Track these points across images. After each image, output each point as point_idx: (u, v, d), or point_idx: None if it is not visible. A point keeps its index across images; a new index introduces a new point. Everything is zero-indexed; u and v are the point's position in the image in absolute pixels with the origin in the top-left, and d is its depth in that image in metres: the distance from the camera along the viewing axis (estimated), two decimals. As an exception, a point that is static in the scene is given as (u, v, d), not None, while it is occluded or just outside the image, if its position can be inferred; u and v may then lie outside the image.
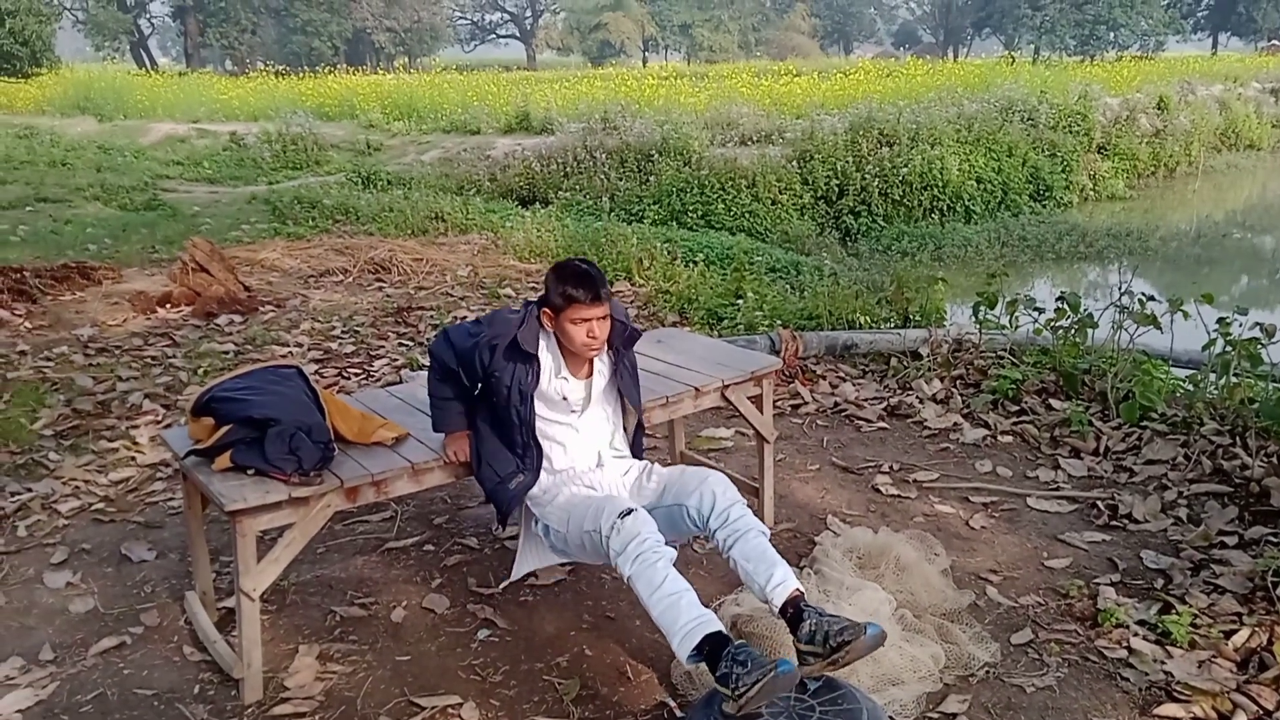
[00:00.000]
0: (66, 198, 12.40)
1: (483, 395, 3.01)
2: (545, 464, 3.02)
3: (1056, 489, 4.21)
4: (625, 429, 3.18)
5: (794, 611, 2.62)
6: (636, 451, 3.20)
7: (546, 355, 2.96)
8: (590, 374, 3.04)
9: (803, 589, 2.70)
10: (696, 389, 3.60)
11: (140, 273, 8.20)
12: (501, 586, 3.34)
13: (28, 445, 4.58)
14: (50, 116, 23.60)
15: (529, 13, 65.25)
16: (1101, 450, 4.51)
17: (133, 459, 4.46)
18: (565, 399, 3.00)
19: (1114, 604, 3.23)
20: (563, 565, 3.49)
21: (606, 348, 3.01)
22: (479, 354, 2.91)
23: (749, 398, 3.83)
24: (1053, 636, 3.12)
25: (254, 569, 2.76)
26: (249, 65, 39.92)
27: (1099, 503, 4.03)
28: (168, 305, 6.94)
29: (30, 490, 4.12)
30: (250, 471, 2.81)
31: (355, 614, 3.27)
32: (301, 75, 30.38)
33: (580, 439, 3.05)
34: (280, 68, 34.64)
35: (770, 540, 2.82)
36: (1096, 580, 3.43)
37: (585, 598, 3.37)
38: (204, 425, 2.97)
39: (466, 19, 65.94)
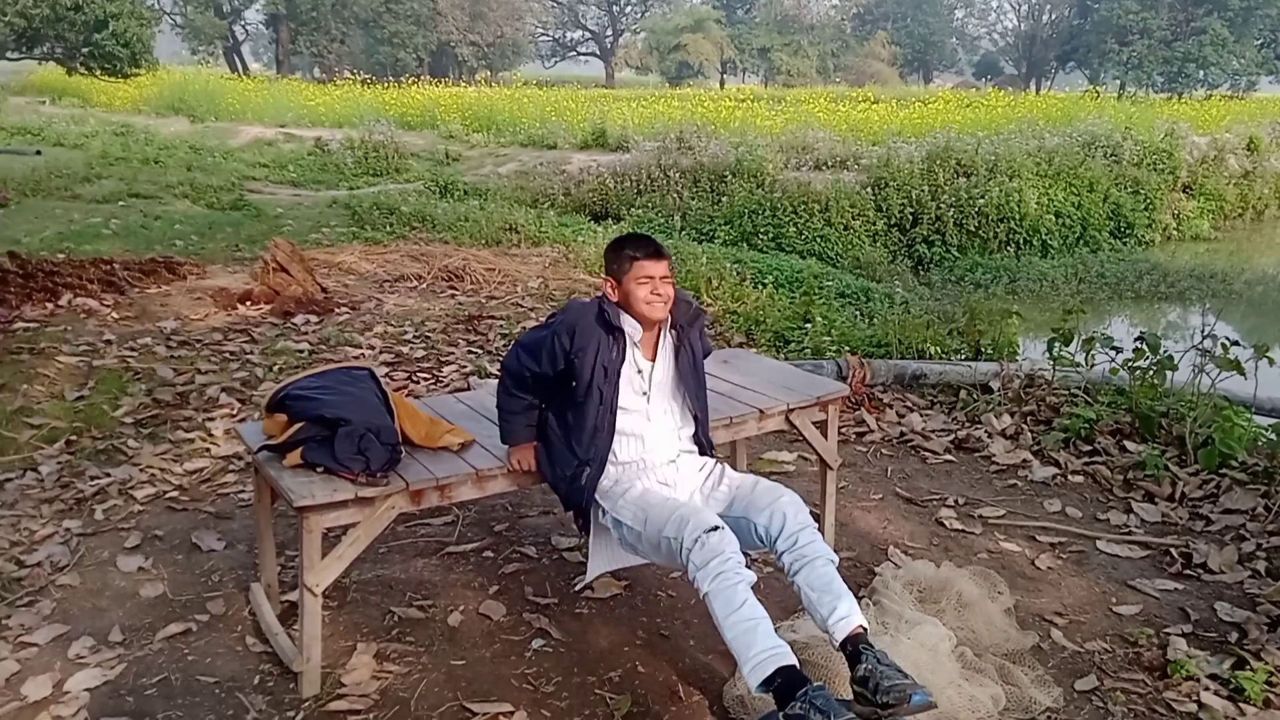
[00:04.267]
0: (158, 194, 12.80)
1: (556, 387, 3.00)
2: (611, 457, 3.00)
3: (1128, 533, 4.10)
4: (699, 432, 3.15)
5: (853, 649, 2.59)
6: (705, 447, 3.18)
7: (629, 330, 2.98)
8: (655, 357, 3.05)
9: (866, 625, 2.67)
10: (761, 411, 3.58)
11: (224, 270, 8.43)
12: (578, 587, 3.33)
13: (109, 431, 4.73)
14: (146, 115, 24.51)
15: (609, 31, 65.84)
16: (1177, 496, 4.38)
17: (207, 450, 4.57)
18: (640, 372, 3.02)
19: (1184, 655, 3.13)
20: (619, 579, 3.51)
21: (670, 328, 3.03)
22: (558, 340, 2.93)
23: (814, 423, 3.80)
24: (1119, 685, 3.03)
25: (318, 565, 2.82)
26: (336, 73, 40.89)
27: (1172, 550, 3.91)
28: (248, 303, 7.11)
29: (109, 475, 4.25)
30: (319, 469, 2.86)
31: (413, 615, 3.31)
32: (386, 85, 31.04)
33: (651, 429, 3.03)
34: (366, 77, 35.44)
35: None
36: (1167, 630, 3.33)
37: (640, 613, 3.37)
38: (278, 421, 3.04)
39: (548, 35, 66.73)
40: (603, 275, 3.05)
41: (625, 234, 3.12)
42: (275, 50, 51.95)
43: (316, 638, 2.87)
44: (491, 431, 3.22)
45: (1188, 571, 3.77)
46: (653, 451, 3.04)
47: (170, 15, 49.04)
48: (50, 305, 6.70)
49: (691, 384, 3.10)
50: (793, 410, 3.67)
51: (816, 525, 2.86)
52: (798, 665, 2.53)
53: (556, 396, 3.03)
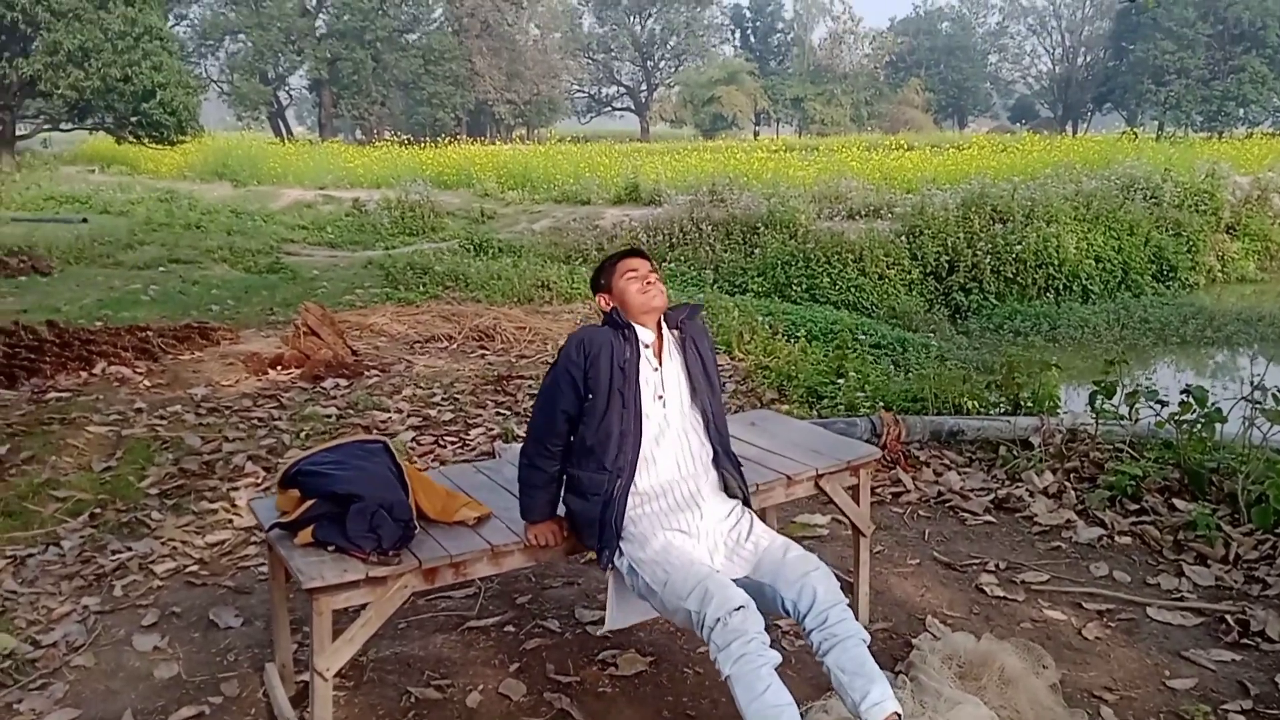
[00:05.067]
0: (198, 259, 13.04)
1: (578, 417, 2.92)
2: (631, 486, 2.89)
3: (1180, 599, 3.90)
4: (714, 432, 3.04)
5: None
6: (732, 458, 3.08)
7: (636, 328, 2.95)
8: (661, 360, 2.98)
9: (900, 712, 2.52)
10: (789, 477, 3.46)
11: (257, 334, 8.50)
12: (599, 632, 3.21)
13: (134, 503, 4.71)
14: (191, 181, 25.11)
15: (644, 86, 66.73)
16: (1231, 558, 4.16)
17: (229, 521, 4.53)
18: (656, 370, 2.95)
19: (1245, 735, 2.93)
20: (644, 655, 3.39)
21: (668, 327, 3.00)
22: (570, 365, 2.88)
23: (845, 488, 3.67)
24: (1175, 768, 2.85)
25: (329, 648, 2.73)
26: (377, 135, 41.78)
27: (1228, 617, 3.70)
28: (279, 367, 7.13)
29: (130, 550, 4.21)
30: (331, 548, 2.79)
31: (431, 696, 3.20)
32: (423, 145, 31.60)
33: (666, 453, 2.93)
34: (406, 138, 36.14)
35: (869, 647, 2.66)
36: (1225, 705, 3.13)
37: (666, 692, 3.23)
38: (290, 497, 2.97)
39: (584, 92, 67.80)
40: (595, 298, 3.10)
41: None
42: (318, 114, 53.24)
43: (328, 723, 2.77)
44: (510, 504, 3.14)
45: (1245, 640, 3.56)
46: (675, 484, 2.93)
47: (217, 83, 50.57)
48: (84, 374, 6.77)
49: (703, 384, 3.01)
50: (822, 476, 3.55)
51: (848, 601, 2.73)
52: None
53: (580, 419, 2.94)
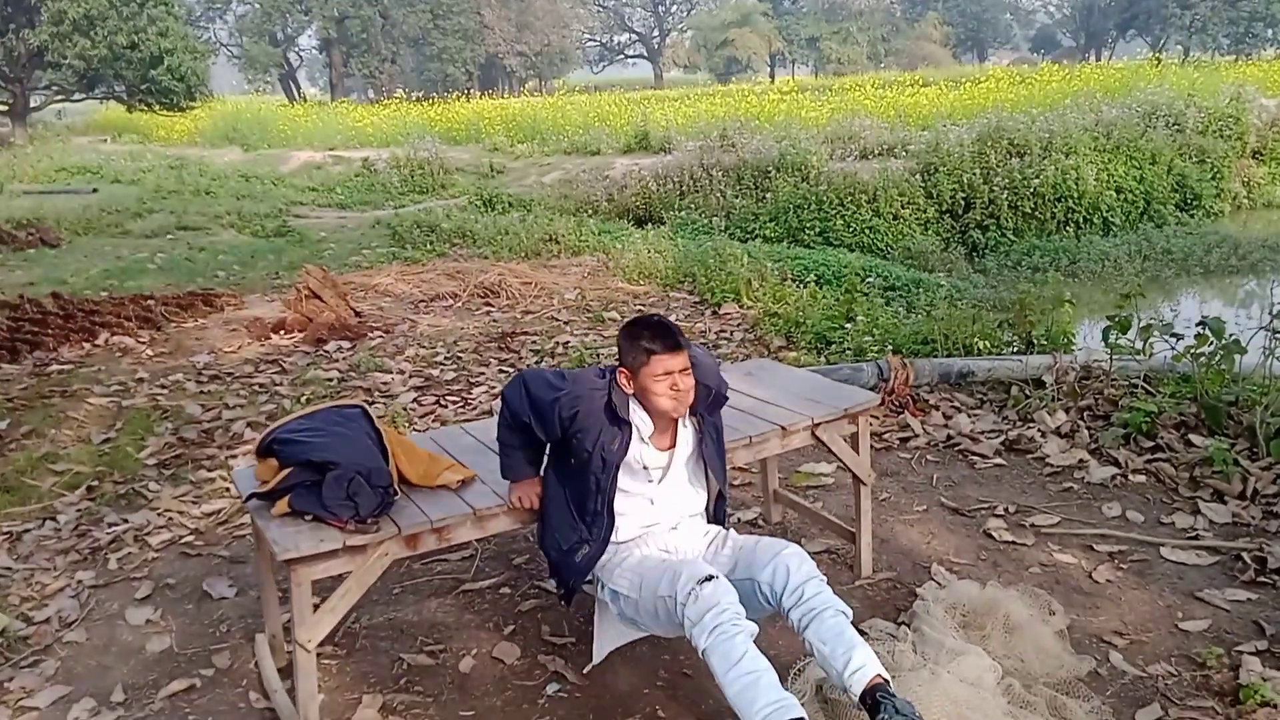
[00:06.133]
0: (205, 225, 12.98)
1: (556, 453, 2.84)
2: (613, 535, 2.83)
3: (1195, 537, 3.79)
4: (712, 506, 2.97)
5: (873, 701, 2.37)
6: (719, 518, 2.99)
7: (637, 423, 2.77)
8: (673, 444, 2.84)
9: (885, 675, 2.44)
10: (783, 428, 3.36)
11: (261, 299, 8.44)
12: (585, 670, 3.07)
13: (132, 474, 4.69)
14: (201, 147, 25.01)
15: (656, 32, 65.67)
16: (1248, 493, 4.04)
17: (226, 489, 4.49)
18: (645, 468, 2.82)
19: (1259, 678, 2.83)
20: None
21: (690, 415, 2.82)
22: (558, 410, 2.73)
23: (845, 436, 3.57)
24: (1186, 714, 2.76)
25: (309, 619, 2.67)
26: (388, 93, 41.36)
27: (1244, 555, 3.59)
28: (281, 332, 7.09)
29: (126, 521, 4.18)
30: (308, 517, 2.72)
31: (423, 662, 3.16)
32: (434, 102, 31.26)
33: (654, 510, 2.86)
34: (418, 94, 35.77)
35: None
36: (1239, 648, 3.03)
37: (662, 651, 3.17)
38: (269, 466, 2.91)
39: (595, 40, 66.77)
40: (617, 364, 2.79)
41: (641, 319, 2.78)
42: (329, 74, 52.81)
43: (313, 695, 2.72)
44: (497, 465, 3.05)
45: (1262, 578, 3.45)
46: (655, 526, 2.87)
47: (227, 47, 50.24)
48: (87, 345, 6.75)
49: (716, 464, 2.90)
50: (818, 425, 3.44)
51: (823, 577, 2.64)
52: (805, 718, 2.31)
53: (557, 461, 2.85)
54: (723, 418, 3.03)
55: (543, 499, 2.88)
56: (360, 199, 16.34)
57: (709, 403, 2.85)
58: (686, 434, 2.86)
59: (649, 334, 2.70)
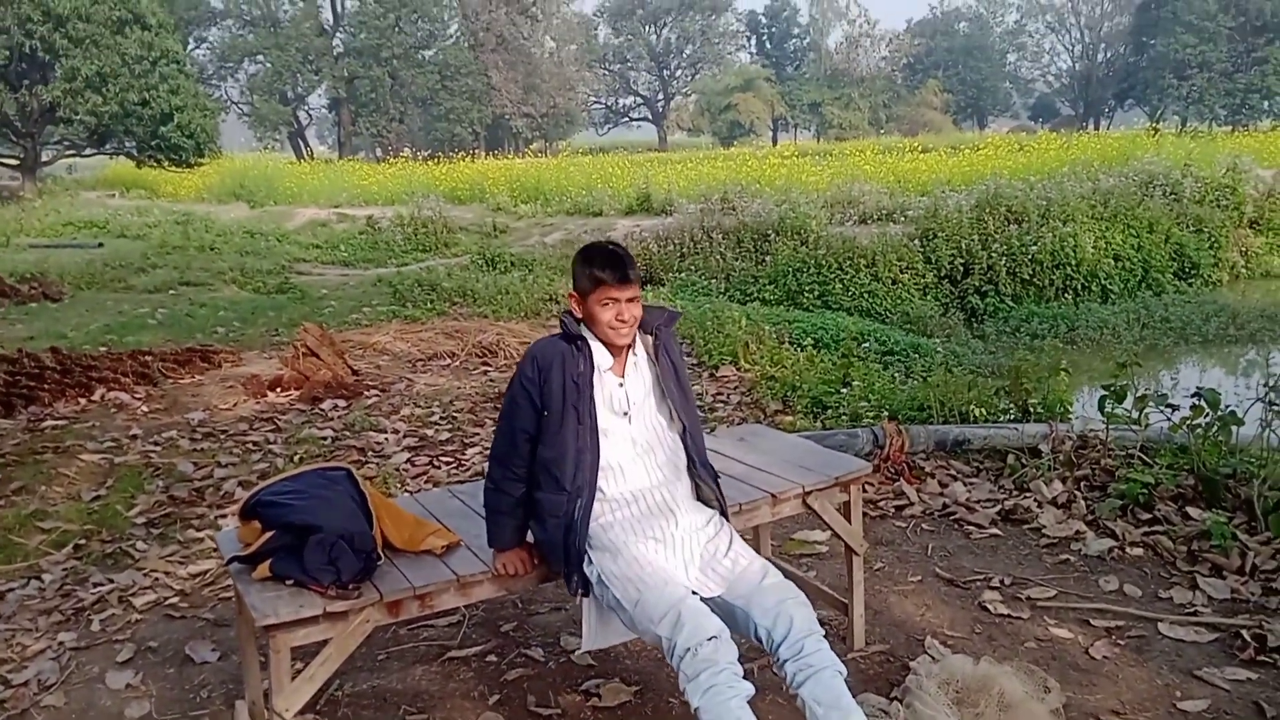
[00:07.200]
0: (208, 281, 13.06)
1: (542, 431, 2.80)
2: (599, 493, 2.79)
3: (1194, 613, 3.73)
4: (689, 440, 2.93)
5: None
6: (701, 462, 2.94)
7: (593, 342, 2.80)
8: (624, 370, 2.85)
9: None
10: (774, 495, 3.33)
11: (260, 356, 8.45)
12: (577, 654, 3.07)
13: (120, 533, 4.65)
14: (208, 203, 25.26)
15: (660, 96, 66.68)
16: (1247, 569, 3.98)
17: (214, 550, 4.43)
18: (619, 387, 2.82)
19: (1259, 762, 2.77)
20: (629, 684, 3.26)
21: (643, 332, 2.86)
22: (524, 378, 2.78)
23: (836, 505, 3.53)
24: (1183, 799, 2.68)
25: (287, 688, 2.62)
26: (395, 152, 41.92)
27: (1244, 632, 3.53)
28: (278, 389, 7.08)
29: (112, 581, 4.13)
30: (289, 582, 2.69)
31: (405, 732, 3.10)
32: (439, 161, 31.65)
33: (637, 459, 2.83)
34: (425, 154, 36.22)
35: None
36: (1239, 730, 2.97)
37: (649, 722, 3.10)
38: (252, 529, 2.88)
39: (601, 103, 67.77)
40: (570, 296, 2.88)
41: (595, 245, 2.88)
42: (338, 133, 53.57)
43: (290, 766, 2.66)
44: (483, 530, 3.01)
45: (1262, 657, 3.38)
46: (645, 490, 2.82)
47: (238, 105, 51.06)
48: (83, 401, 6.74)
49: (675, 392, 2.89)
50: (809, 493, 3.41)
51: (824, 633, 2.59)
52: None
53: (538, 435, 2.82)
54: (705, 437, 3.02)
55: (531, 492, 2.84)
56: (364, 256, 16.46)
57: (663, 319, 2.89)
58: (640, 357, 2.87)
59: (600, 260, 2.77)
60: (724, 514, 2.94)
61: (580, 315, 2.82)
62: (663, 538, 2.77)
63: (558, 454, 2.75)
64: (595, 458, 2.76)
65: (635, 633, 2.72)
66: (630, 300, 2.76)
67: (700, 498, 2.95)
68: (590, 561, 2.78)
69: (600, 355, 2.81)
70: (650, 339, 2.89)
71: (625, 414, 2.82)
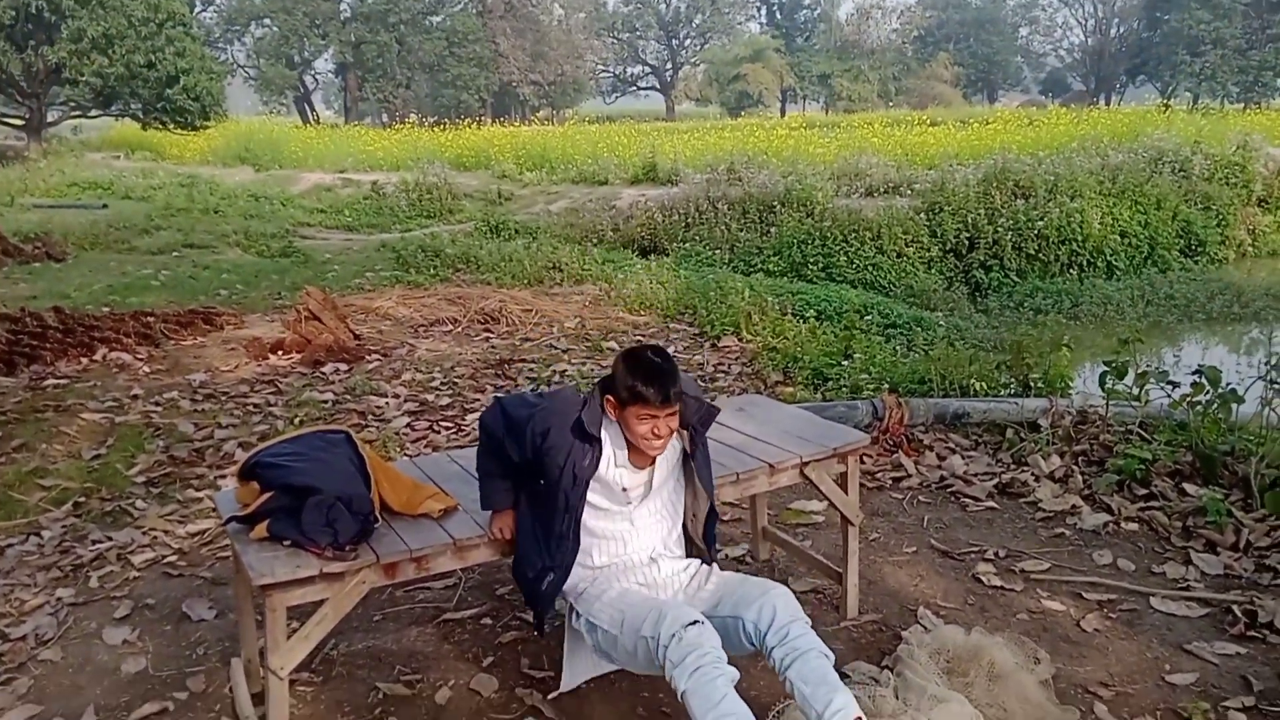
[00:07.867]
0: (212, 244, 13.04)
1: (528, 474, 2.81)
2: (584, 559, 2.82)
3: (1186, 588, 3.74)
4: (690, 519, 2.94)
5: None
6: (709, 538, 2.96)
7: (609, 441, 2.77)
8: (652, 462, 2.82)
9: (864, 717, 2.41)
10: (771, 465, 3.34)
11: (262, 318, 8.46)
12: (550, 697, 3.06)
13: (119, 491, 4.67)
14: (213, 166, 25.17)
15: (669, 65, 66.15)
16: (1241, 545, 3.99)
17: (213, 510, 4.45)
18: (625, 490, 2.80)
19: (1245, 735, 2.79)
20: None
21: (680, 427, 2.79)
22: (533, 425, 2.73)
23: (833, 475, 3.54)
24: (1169, 770, 2.71)
25: (283, 646, 2.65)
26: (402, 118, 41.72)
27: (1235, 608, 3.55)
28: (279, 352, 7.08)
29: (110, 539, 4.16)
30: (286, 542, 2.71)
31: (400, 692, 3.12)
32: (445, 127, 31.47)
33: (634, 533, 2.85)
34: (431, 120, 36.02)
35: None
36: (1226, 702, 2.99)
37: (642, 688, 3.12)
38: (250, 489, 2.90)
39: (609, 72, 67.26)
40: (605, 389, 2.75)
41: (643, 355, 2.70)
42: (344, 98, 53.27)
43: (284, 722, 2.69)
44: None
45: (1252, 632, 3.40)
46: (634, 553, 2.85)
47: (244, 68, 50.75)
48: (85, 360, 6.76)
49: (706, 476, 2.90)
50: (807, 463, 3.42)
51: (808, 621, 2.61)
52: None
53: (527, 484, 2.83)
54: (711, 453, 3.02)
55: (516, 526, 2.86)
56: (368, 222, 16.41)
57: (701, 415, 2.83)
58: (670, 452, 2.83)
59: (644, 377, 2.64)
60: (707, 564, 2.95)
61: (614, 417, 2.74)
62: (646, 582, 2.84)
63: (543, 525, 2.78)
64: (575, 544, 2.78)
65: (631, 664, 2.73)
66: (669, 415, 2.67)
67: (688, 554, 2.99)
68: (578, 615, 2.82)
69: (616, 447, 2.77)
70: (686, 432, 2.84)
71: (630, 503, 2.83)
